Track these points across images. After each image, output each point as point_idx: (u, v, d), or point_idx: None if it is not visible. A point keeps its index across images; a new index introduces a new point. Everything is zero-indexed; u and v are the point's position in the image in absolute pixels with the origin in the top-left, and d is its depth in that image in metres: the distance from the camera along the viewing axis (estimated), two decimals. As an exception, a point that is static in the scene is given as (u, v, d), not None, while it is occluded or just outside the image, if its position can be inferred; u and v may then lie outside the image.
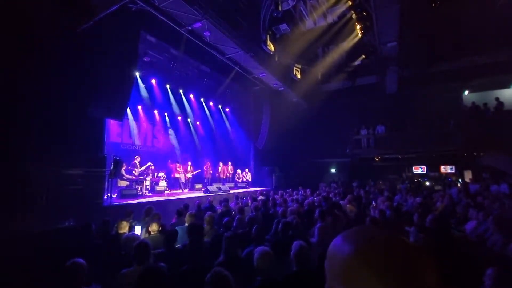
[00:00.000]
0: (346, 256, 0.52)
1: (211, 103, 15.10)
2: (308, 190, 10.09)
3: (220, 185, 11.57)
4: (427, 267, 0.49)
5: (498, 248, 3.39)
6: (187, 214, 4.56)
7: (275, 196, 8.58)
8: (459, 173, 13.66)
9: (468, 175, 13.00)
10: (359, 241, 0.54)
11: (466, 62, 12.59)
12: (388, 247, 0.51)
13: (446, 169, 14.30)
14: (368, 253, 0.51)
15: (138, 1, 6.77)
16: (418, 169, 15.18)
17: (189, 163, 11.92)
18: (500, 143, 10.39)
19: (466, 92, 14.10)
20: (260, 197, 8.62)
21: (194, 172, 11.88)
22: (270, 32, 9.80)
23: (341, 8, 10.65)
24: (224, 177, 13.40)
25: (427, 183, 13.73)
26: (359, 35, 11.42)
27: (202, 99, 14.48)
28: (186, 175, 11.42)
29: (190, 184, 11.85)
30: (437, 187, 12.06)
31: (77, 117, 6.49)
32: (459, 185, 11.32)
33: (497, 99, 11.82)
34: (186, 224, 4.45)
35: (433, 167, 14.74)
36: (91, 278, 2.25)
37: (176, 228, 4.26)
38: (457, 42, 11.85)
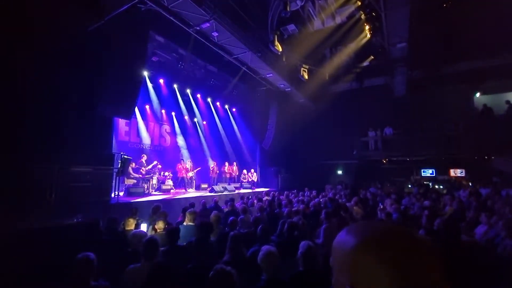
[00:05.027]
0: (351, 247, 0.52)
1: (218, 103, 15.17)
2: (313, 191, 10.04)
3: (225, 185, 11.61)
4: (432, 256, 0.49)
5: (509, 253, 3.31)
6: (187, 212, 4.58)
7: (281, 197, 8.56)
8: (469, 177, 13.40)
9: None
10: (363, 232, 0.54)
11: (478, 64, 12.35)
12: (393, 237, 0.52)
13: (456, 172, 14.02)
14: (373, 243, 0.51)
15: (148, 1, 6.85)
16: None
17: (189, 161, 11.92)
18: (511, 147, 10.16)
19: (478, 95, 13.82)
20: (265, 198, 8.61)
21: (195, 170, 11.90)
22: (278, 33, 9.79)
23: (350, 9, 10.56)
24: (230, 176, 13.42)
25: (441, 186, 13.46)
26: (368, 36, 11.32)
27: (209, 99, 14.55)
28: (188, 174, 11.45)
29: (195, 184, 11.90)
30: (444, 191, 11.84)
31: (86, 115, 6.60)
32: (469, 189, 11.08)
33: (507, 102, 11.57)
34: (186, 223, 4.47)
35: (442, 170, 14.48)
36: (99, 274, 2.28)
37: (180, 226, 4.30)
38: (468, 44, 11.63)
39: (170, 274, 2.00)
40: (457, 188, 10.56)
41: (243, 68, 11.06)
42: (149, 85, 11.58)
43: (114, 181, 7.09)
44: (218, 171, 12.97)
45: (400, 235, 0.52)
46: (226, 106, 15.68)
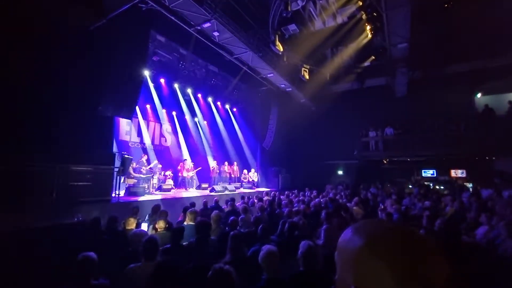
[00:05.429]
0: (357, 247, 0.53)
1: (219, 103, 15.16)
2: (314, 191, 10.03)
3: (226, 185, 11.61)
4: (438, 257, 0.50)
5: (509, 255, 3.30)
6: (188, 212, 4.58)
7: (281, 196, 8.56)
8: (470, 177, 13.37)
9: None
10: (370, 232, 0.54)
11: (479, 64, 12.31)
12: (398, 237, 0.52)
13: (457, 173, 14.00)
14: (379, 243, 0.51)
15: (149, 1, 6.86)
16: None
17: (188, 161, 11.90)
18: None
19: (479, 95, 13.78)
20: (266, 197, 8.60)
21: (195, 170, 11.87)
22: (279, 32, 9.77)
23: (351, 9, 10.54)
24: (230, 176, 13.41)
25: (442, 187, 13.41)
26: (369, 36, 11.28)
27: (210, 99, 14.55)
28: (188, 174, 11.44)
29: (196, 183, 11.89)
30: (444, 191, 11.81)
31: (87, 115, 6.60)
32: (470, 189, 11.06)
33: (510, 102, 11.54)
34: (187, 222, 4.47)
35: (442, 171, 14.45)
36: (99, 273, 2.28)
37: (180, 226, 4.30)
38: (470, 44, 11.59)
39: (174, 274, 2.01)
40: (460, 190, 10.52)
41: (244, 68, 11.05)
42: (150, 84, 11.57)
43: (114, 181, 7.09)
44: (218, 171, 12.98)
45: (406, 236, 0.52)
46: (227, 106, 15.67)
